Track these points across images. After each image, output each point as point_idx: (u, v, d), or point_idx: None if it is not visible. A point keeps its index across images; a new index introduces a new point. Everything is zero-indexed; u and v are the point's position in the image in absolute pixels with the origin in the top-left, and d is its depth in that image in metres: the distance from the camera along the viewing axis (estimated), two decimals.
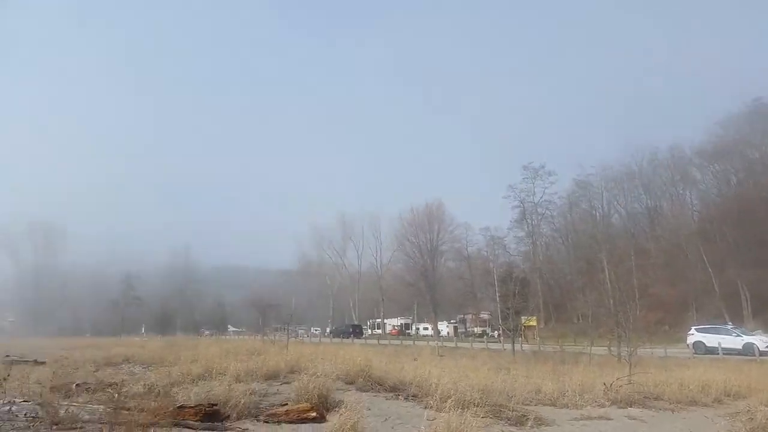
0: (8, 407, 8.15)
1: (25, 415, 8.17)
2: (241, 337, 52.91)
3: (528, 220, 74.90)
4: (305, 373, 11.87)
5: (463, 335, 62.52)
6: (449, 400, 9.26)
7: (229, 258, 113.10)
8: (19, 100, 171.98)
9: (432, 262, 71.41)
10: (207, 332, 70.99)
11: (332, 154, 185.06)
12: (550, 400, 11.60)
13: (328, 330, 76.37)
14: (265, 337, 32.39)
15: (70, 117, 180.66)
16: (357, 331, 62.86)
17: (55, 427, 7.87)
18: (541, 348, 29.34)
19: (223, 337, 54.49)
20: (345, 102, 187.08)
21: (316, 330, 77.92)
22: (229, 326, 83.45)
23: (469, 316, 70.92)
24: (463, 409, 8.54)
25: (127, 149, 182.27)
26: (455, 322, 71.14)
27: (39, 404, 8.63)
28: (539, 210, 74.86)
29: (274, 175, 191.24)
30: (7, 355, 23.22)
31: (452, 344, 41.64)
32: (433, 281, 69.54)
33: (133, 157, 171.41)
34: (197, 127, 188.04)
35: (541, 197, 73.79)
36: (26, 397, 9.29)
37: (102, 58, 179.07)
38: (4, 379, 9.04)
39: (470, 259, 75.38)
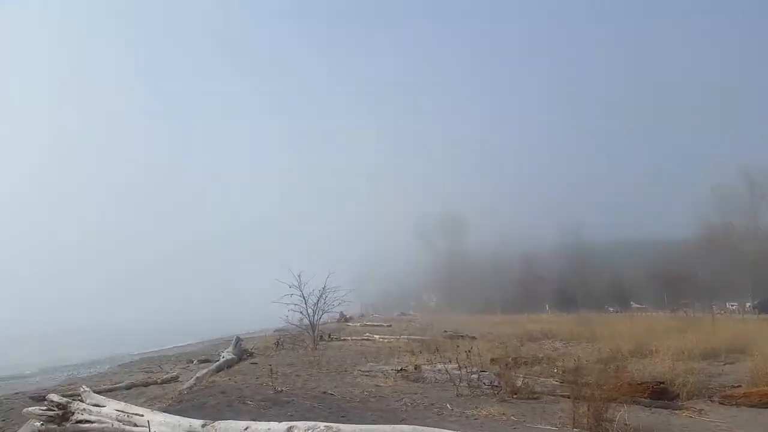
0: (476, 375, 9.67)
1: (489, 383, 9.55)
2: (646, 313, 50.12)
3: None
4: (757, 354, 10.42)
5: None
6: None
7: (620, 232, 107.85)
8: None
9: None
10: (611, 309, 69.77)
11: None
12: None
13: (748, 305, 65.23)
14: (674, 314, 29.87)
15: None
16: None
17: (514, 396, 8.96)
18: None
19: (629, 313, 52.45)
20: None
21: (732, 305, 67.62)
22: (631, 302, 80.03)
23: None
24: None
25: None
26: None
27: (497, 374, 9.95)
28: None
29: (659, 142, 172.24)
30: (445, 330, 27.87)
31: None
32: None
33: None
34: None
35: None
36: (480, 367, 10.79)
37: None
38: (469, 351, 10.52)
39: None
